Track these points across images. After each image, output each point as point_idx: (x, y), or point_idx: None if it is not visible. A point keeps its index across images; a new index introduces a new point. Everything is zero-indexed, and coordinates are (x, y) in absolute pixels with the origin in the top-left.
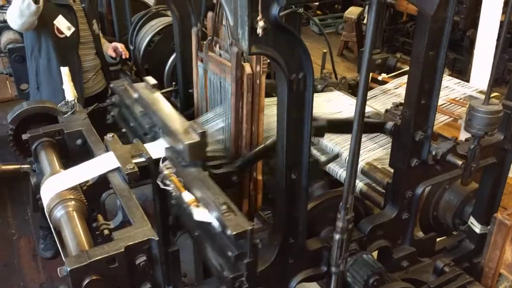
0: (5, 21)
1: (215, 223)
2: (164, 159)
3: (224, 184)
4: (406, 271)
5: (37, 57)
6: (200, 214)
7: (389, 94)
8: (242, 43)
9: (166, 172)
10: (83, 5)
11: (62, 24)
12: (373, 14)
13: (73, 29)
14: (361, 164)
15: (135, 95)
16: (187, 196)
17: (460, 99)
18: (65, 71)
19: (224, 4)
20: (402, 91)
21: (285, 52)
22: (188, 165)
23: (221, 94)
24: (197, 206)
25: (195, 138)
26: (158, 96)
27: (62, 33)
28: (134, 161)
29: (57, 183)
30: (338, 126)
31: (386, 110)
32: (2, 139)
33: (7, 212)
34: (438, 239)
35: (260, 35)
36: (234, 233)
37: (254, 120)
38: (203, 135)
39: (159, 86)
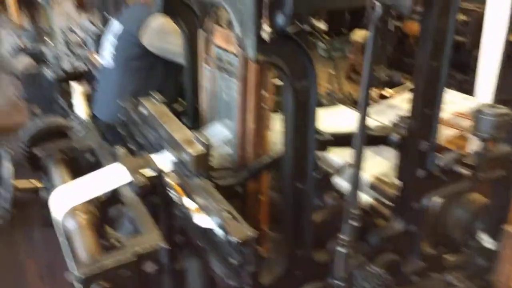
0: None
1: (215, 228)
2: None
3: (229, 195)
4: (415, 285)
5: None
6: (201, 219)
7: (396, 109)
8: (248, 51)
9: (168, 180)
10: None
11: None
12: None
13: None
14: (368, 178)
15: (143, 110)
16: (187, 202)
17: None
18: (78, 90)
19: (231, 13)
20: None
21: (290, 61)
22: (193, 176)
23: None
24: (198, 211)
25: (201, 149)
26: (164, 110)
27: None
28: (144, 173)
29: (66, 195)
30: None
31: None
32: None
33: (15, 235)
34: (448, 255)
35: (266, 41)
36: (238, 240)
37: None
38: (208, 146)
39: (167, 104)
